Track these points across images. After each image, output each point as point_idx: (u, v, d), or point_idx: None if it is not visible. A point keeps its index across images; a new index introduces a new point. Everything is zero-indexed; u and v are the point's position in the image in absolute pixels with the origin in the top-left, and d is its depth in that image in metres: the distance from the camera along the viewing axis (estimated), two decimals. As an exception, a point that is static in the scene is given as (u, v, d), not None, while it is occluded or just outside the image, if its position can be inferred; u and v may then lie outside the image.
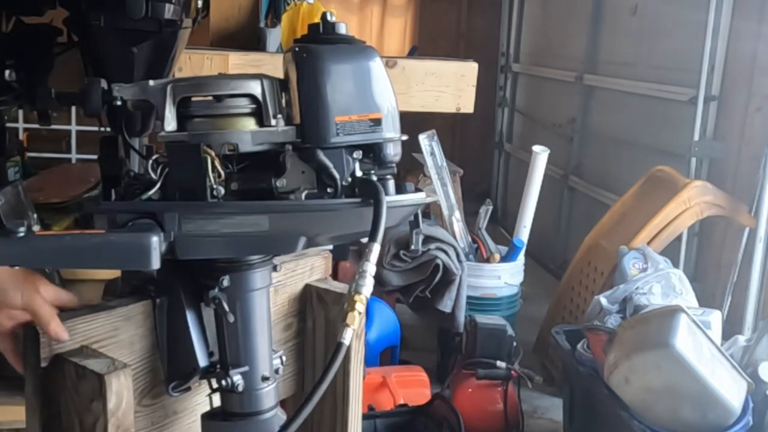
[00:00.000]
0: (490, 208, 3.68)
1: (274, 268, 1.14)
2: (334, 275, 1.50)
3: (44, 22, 2.07)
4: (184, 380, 1.10)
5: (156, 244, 0.93)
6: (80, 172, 2.93)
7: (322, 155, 1.00)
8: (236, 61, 2.34)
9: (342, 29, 1.07)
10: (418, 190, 1.11)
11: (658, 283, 2.66)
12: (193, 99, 1.02)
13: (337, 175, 1.01)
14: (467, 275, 3.14)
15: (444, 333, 3.24)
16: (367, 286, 0.96)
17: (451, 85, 2.89)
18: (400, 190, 1.08)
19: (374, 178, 1.04)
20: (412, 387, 2.73)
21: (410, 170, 4.57)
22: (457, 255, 3.11)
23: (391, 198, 1.03)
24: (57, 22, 2.02)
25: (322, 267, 1.38)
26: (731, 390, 2.13)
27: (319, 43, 1.04)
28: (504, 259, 3.49)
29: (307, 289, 1.35)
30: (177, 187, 1.01)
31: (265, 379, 1.11)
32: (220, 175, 1.00)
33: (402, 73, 2.91)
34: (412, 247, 1.19)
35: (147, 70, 1.63)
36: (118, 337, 1.06)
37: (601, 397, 2.29)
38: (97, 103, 1.03)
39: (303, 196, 1.01)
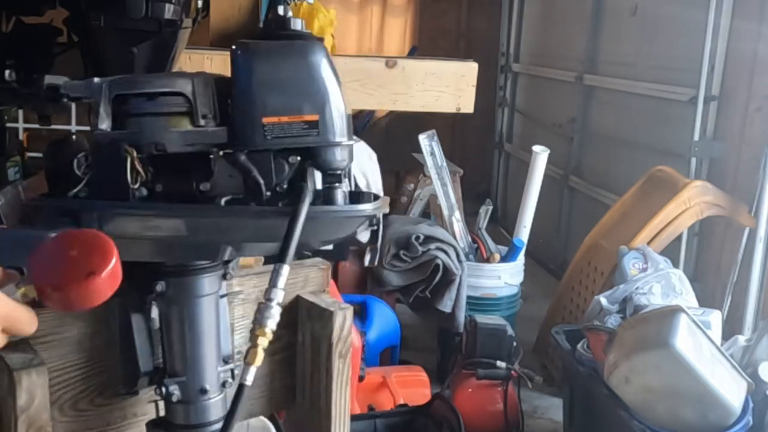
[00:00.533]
0: (490, 208, 3.68)
1: (224, 276, 1.08)
2: (334, 276, 1.47)
3: (44, 22, 2.07)
4: (131, 384, 1.08)
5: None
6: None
7: (244, 158, 0.95)
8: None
9: (296, 24, 1.01)
10: (375, 197, 1.05)
11: (658, 283, 2.66)
12: (131, 98, 0.97)
13: (261, 181, 0.95)
14: (467, 275, 3.14)
15: (444, 333, 3.24)
16: (273, 317, 0.91)
17: (451, 85, 2.89)
18: (356, 199, 1.02)
19: (315, 186, 0.97)
20: (412, 387, 2.73)
21: (410, 170, 4.57)
22: (457, 255, 3.11)
23: (325, 208, 0.97)
24: (57, 22, 2.02)
25: (318, 279, 1.32)
26: (731, 390, 2.13)
27: (267, 39, 1.00)
28: (504, 259, 3.49)
29: (299, 301, 1.30)
30: (101, 187, 0.97)
31: (204, 391, 1.06)
32: (140, 176, 0.95)
33: (402, 73, 2.92)
34: (366, 261, 1.09)
35: (147, 70, 1.63)
36: (64, 335, 1.04)
37: (601, 397, 2.29)
38: (43, 99, 1.01)
39: (223, 201, 0.96)
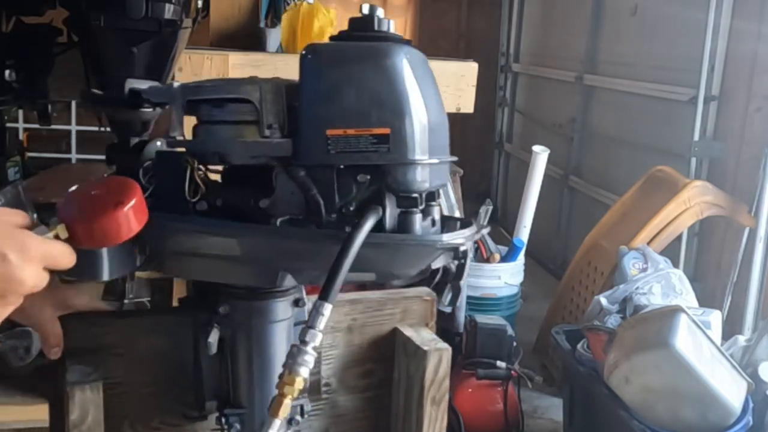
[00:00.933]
0: (490, 208, 3.68)
1: (297, 303, 0.98)
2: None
3: (44, 22, 2.07)
4: (199, 407, 1.02)
5: (104, 254, 0.82)
6: (80, 172, 2.93)
7: (304, 174, 0.85)
8: (236, 61, 2.33)
9: (382, 25, 0.90)
10: (466, 224, 0.92)
11: (658, 283, 2.66)
12: (200, 104, 0.91)
13: (320, 200, 0.85)
14: (467, 275, 3.13)
15: (444, 333, 3.23)
16: (306, 364, 0.79)
17: (451, 85, 2.89)
18: (442, 225, 0.89)
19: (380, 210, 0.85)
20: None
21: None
22: (457, 255, 3.11)
23: (395, 236, 0.84)
24: (57, 22, 2.02)
25: (420, 312, 1.19)
26: (731, 390, 2.13)
27: (348, 40, 0.90)
28: (504, 259, 3.49)
29: (397, 334, 1.17)
30: (163, 198, 0.90)
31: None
32: (200, 189, 0.89)
33: (402, 73, 2.90)
34: (441, 304, 0.98)
35: (147, 70, 1.63)
36: (137, 348, 0.99)
37: (601, 397, 2.29)
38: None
39: (279, 221, 0.87)
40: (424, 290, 1.18)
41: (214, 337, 0.95)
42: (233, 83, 0.90)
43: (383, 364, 1.18)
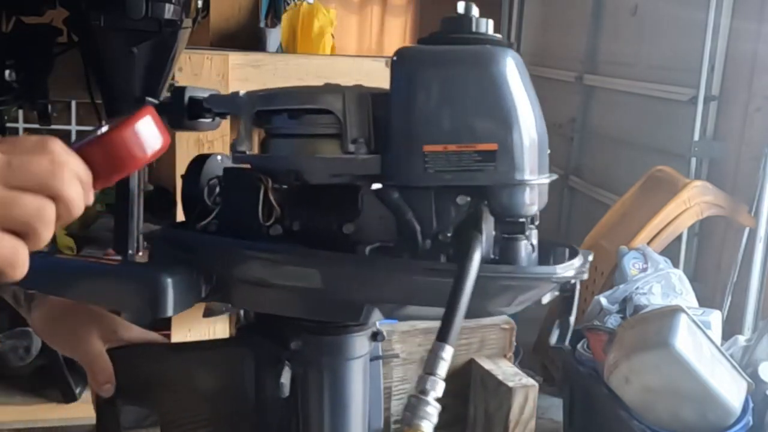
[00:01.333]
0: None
1: (375, 337, 0.88)
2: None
3: (44, 22, 2.07)
4: None
5: (169, 288, 0.73)
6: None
7: (398, 196, 0.74)
8: (236, 61, 2.33)
9: (480, 25, 0.79)
10: (574, 252, 0.82)
11: (658, 283, 2.66)
12: (272, 115, 0.81)
13: (417, 227, 0.74)
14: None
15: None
16: (429, 417, 0.67)
17: (451, 85, 2.88)
18: (544, 255, 0.79)
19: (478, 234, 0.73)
20: (412, 387, 2.72)
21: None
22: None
23: (501, 268, 0.74)
24: (57, 22, 2.02)
25: (499, 342, 1.11)
26: (731, 390, 2.13)
27: (441, 43, 0.79)
28: (504, 259, 3.48)
29: (473, 366, 1.08)
30: (231, 220, 0.80)
31: None
32: (274, 211, 0.78)
33: (402, 73, 2.91)
34: (553, 340, 0.84)
35: (147, 70, 1.63)
36: (194, 384, 0.91)
37: (601, 397, 2.29)
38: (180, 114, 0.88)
39: (368, 249, 0.76)
40: (501, 318, 1.07)
41: (286, 378, 0.84)
42: (311, 91, 0.80)
43: (457, 399, 1.07)
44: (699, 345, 2.14)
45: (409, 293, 0.76)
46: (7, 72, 1.90)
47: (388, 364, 0.96)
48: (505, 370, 1.04)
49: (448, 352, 0.67)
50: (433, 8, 6.55)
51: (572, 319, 0.81)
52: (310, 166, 0.77)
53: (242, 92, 0.82)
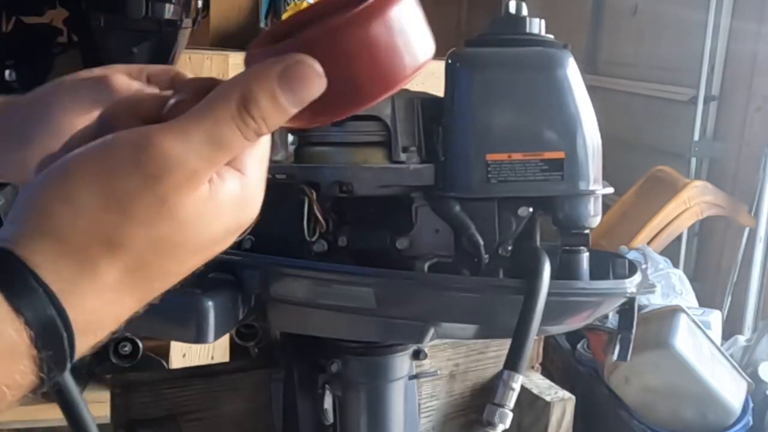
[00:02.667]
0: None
1: (416, 355, 0.83)
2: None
3: (44, 22, 2.07)
4: None
5: (210, 313, 0.66)
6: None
7: (459, 209, 0.70)
8: (236, 61, 2.33)
9: (533, 26, 0.75)
10: (631, 266, 0.77)
11: (658, 283, 2.66)
12: None
13: (481, 241, 0.71)
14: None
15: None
16: None
17: (451, 85, 2.88)
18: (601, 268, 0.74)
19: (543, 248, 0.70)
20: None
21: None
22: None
23: (567, 284, 0.70)
24: (57, 22, 2.03)
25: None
26: (731, 390, 2.13)
27: (492, 45, 0.74)
28: (504, 259, 3.48)
29: None
30: (269, 236, 0.72)
31: None
32: (320, 226, 0.73)
33: (402, 73, 2.90)
34: (614, 356, 0.79)
35: (147, 70, 1.63)
36: (219, 410, 0.87)
37: (601, 397, 2.28)
38: None
39: (426, 266, 0.72)
40: None
41: (328, 402, 0.79)
42: None
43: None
44: (699, 345, 2.14)
45: (475, 312, 0.71)
46: (7, 72, 1.90)
47: (417, 380, 0.93)
48: (538, 383, 1.00)
49: (518, 382, 0.64)
50: (432, 8, 6.55)
51: (633, 334, 0.78)
52: (358, 177, 0.72)
53: None
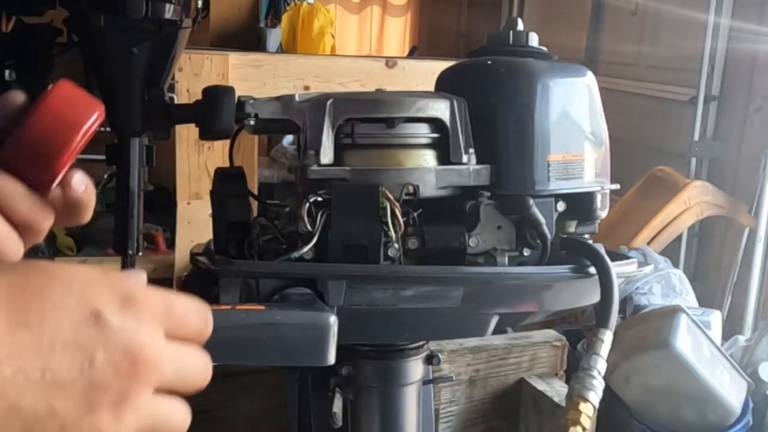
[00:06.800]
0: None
1: (430, 360, 0.84)
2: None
3: (44, 22, 2.07)
4: None
5: (335, 327, 0.62)
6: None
7: (534, 206, 0.75)
8: (236, 61, 2.34)
9: (533, 41, 0.87)
10: (622, 256, 0.86)
11: (658, 283, 2.66)
12: (361, 123, 0.74)
13: (549, 234, 0.76)
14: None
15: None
16: (595, 390, 0.74)
17: (451, 85, 2.88)
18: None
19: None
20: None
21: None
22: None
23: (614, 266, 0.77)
24: (57, 22, 2.03)
25: (550, 360, 1.05)
26: (731, 390, 2.13)
27: (505, 56, 0.84)
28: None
29: (523, 386, 1.03)
30: (340, 244, 0.71)
31: None
32: (401, 228, 0.72)
33: (402, 73, 2.92)
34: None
35: (147, 70, 1.63)
36: (235, 410, 0.87)
37: (601, 398, 2.28)
38: (227, 122, 0.78)
39: (506, 260, 0.75)
40: (552, 334, 1.06)
41: (338, 406, 0.78)
42: (414, 98, 0.76)
43: (507, 420, 1.03)
44: (699, 345, 2.14)
45: (543, 297, 0.79)
46: (7, 72, 1.91)
47: (435, 385, 0.94)
48: (560, 391, 1.00)
49: (608, 337, 0.73)
50: (432, 8, 6.55)
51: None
52: (423, 179, 0.74)
53: (298, 97, 0.76)
